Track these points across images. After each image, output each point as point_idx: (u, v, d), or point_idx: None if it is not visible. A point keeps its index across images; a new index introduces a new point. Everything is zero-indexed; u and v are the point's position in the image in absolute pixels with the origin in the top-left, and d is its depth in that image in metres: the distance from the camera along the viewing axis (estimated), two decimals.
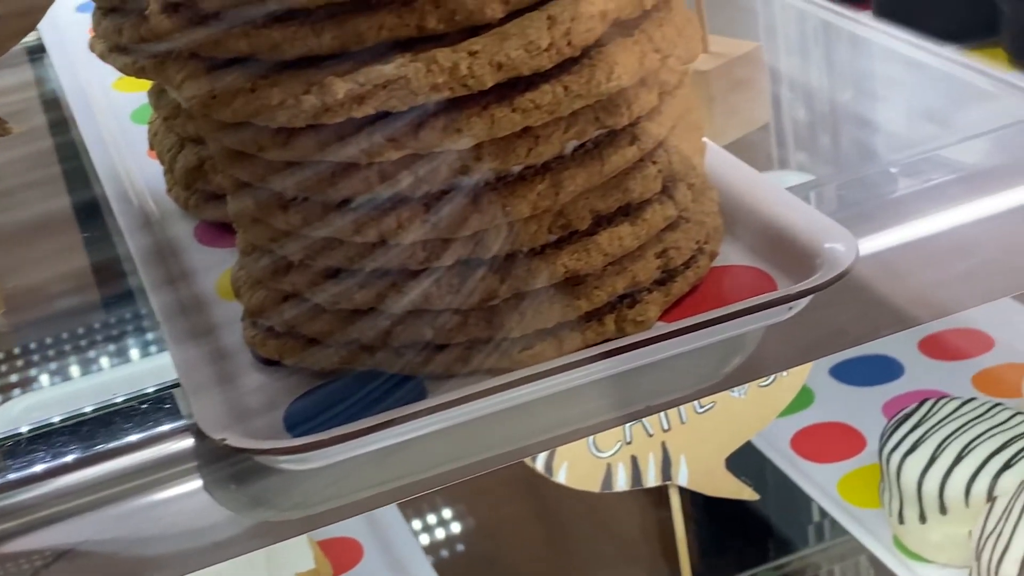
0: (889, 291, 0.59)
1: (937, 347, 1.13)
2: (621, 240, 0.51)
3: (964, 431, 0.90)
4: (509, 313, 0.50)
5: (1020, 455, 0.87)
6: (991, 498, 0.85)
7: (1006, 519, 0.82)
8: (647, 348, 0.51)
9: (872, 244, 0.59)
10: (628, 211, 0.51)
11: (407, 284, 0.49)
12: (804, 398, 1.09)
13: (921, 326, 1.18)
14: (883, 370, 1.11)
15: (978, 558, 0.81)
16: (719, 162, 0.60)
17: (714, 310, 0.52)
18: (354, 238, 0.48)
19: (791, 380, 0.82)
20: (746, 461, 1.06)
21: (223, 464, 0.50)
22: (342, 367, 0.51)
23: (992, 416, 0.91)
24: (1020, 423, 0.90)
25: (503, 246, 0.49)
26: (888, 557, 0.90)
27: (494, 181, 0.48)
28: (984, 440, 0.89)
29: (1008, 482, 0.85)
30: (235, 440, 0.47)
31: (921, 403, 0.94)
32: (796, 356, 0.60)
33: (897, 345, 1.14)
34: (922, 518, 0.88)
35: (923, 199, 0.61)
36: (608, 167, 0.49)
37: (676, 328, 0.51)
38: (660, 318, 0.53)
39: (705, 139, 0.61)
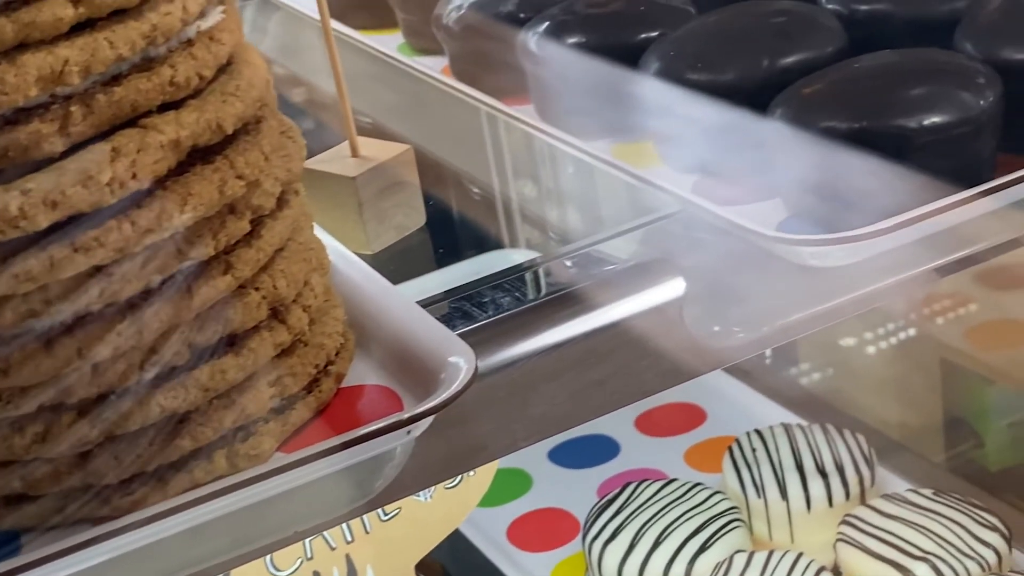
0: (523, 401, 0.58)
1: (652, 423, 1.14)
2: (224, 374, 0.48)
3: (663, 515, 0.90)
4: (104, 458, 0.47)
5: (715, 537, 0.87)
6: None
7: None
8: (264, 483, 0.49)
9: (506, 354, 0.58)
10: (233, 342, 0.49)
11: None
12: (522, 484, 1.08)
13: (641, 401, 1.20)
14: (599, 450, 1.11)
15: None
16: (351, 275, 0.58)
17: (328, 439, 0.49)
18: None
19: (479, 478, 0.80)
20: (460, 555, 1.04)
21: None
22: None
23: (691, 497, 0.92)
24: (718, 502, 0.91)
25: (90, 389, 0.46)
26: None
27: (71, 322, 0.45)
28: (682, 523, 0.89)
29: (703, 566, 0.85)
30: None
31: (623, 488, 0.94)
32: (438, 473, 0.58)
33: (614, 423, 1.14)
34: None
35: (557, 306, 0.60)
36: (198, 300, 0.47)
37: (290, 461, 0.49)
38: (280, 448, 0.51)
39: (344, 252, 0.60)
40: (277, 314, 0.51)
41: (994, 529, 0.85)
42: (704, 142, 0.68)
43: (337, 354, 0.54)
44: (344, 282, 0.57)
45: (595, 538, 0.89)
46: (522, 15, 0.75)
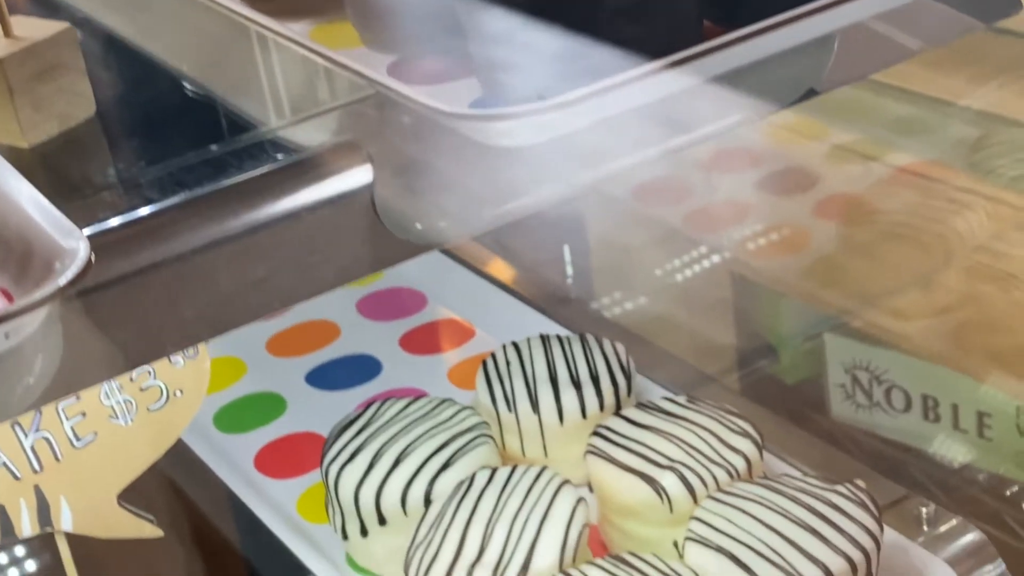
0: (174, 303, 0.51)
1: (417, 342, 1.08)
2: None
3: (405, 433, 0.84)
4: None
5: (459, 454, 0.82)
6: (428, 503, 0.80)
7: (437, 525, 0.77)
8: None
9: (158, 251, 0.52)
10: None
11: None
12: (275, 408, 1.02)
13: (404, 319, 1.14)
14: (360, 371, 1.05)
15: (406, 570, 0.76)
16: None
17: None
18: None
19: (186, 399, 0.73)
20: (202, 487, 0.98)
21: None
22: None
23: (438, 414, 0.86)
24: (465, 418, 0.85)
25: None
26: None
27: None
28: (424, 441, 0.83)
29: (445, 484, 0.80)
30: None
31: (367, 407, 0.88)
32: (76, 382, 0.51)
33: (377, 342, 1.08)
34: (363, 532, 0.82)
35: (220, 198, 0.54)
36: None
37: None
38: None
39: None
40: None
41: (745, 435, 0.81)
42: (398, 20, 0.62)
43: None
44: None
45: (332, 461, 0.83)
46: None
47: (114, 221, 0.52)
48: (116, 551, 0.82)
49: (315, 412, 1.00)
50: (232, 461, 0.95)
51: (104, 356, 0.50)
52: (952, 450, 1.07)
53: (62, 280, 0.44)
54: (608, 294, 1.23)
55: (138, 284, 0.51)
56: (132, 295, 0.51)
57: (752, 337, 1.23)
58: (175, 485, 0.99)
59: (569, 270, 1.23)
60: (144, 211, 0.52)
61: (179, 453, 0.95)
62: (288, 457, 0.96)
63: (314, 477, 0.93)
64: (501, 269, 1.18)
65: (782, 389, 1.19)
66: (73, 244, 0.45)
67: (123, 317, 0.50)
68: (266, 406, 1.02)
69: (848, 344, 1.13)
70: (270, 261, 0.53)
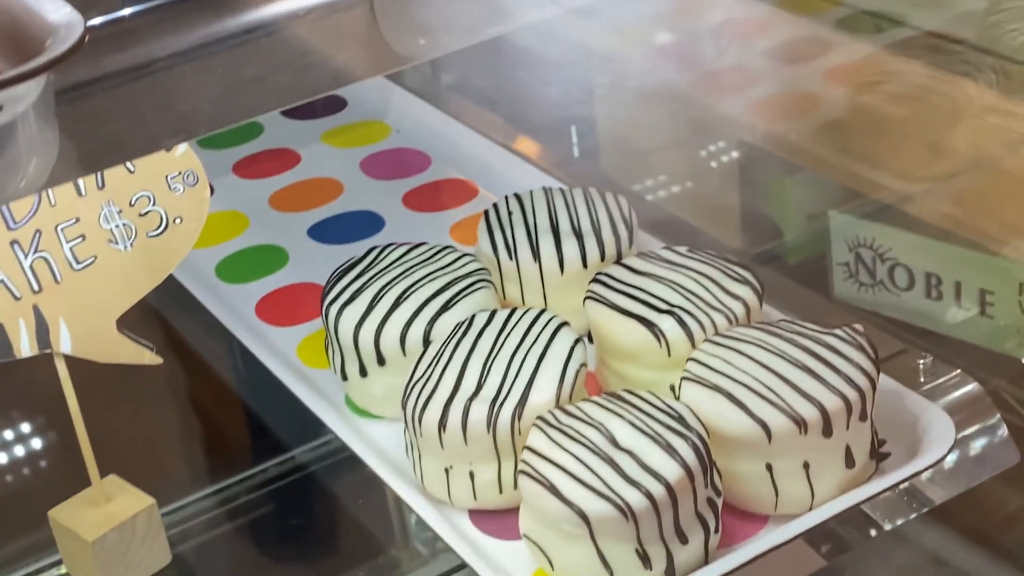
0: (168, 99, 0.51)
1: (420, 199, 1.08)
2: None
3: (406, 276, 0.84)
4: None
5: (459, 296, 0.82)
6: (427, 343, 0.80)
7: (435, 364, 0.77)
8: None
9: (152, 48, 0.51)
10: None
11: None
12: (277, 260, 1.02)
13: (408, 178, 1.13)
14: (363, 226, 1.05)
15: (403, 407, 0.76)
16: None
17: None
18: None
19: (186, 226, 0.73)
20: (205, 334, 0.98)
21: None
22: None
23: (439, 259, 0.86)
24: (466, 264, 0.85)
25: None
26: (335, 419, 0.84)
27: None
28: (425, 283, 0.83)
29: (444, 325, 0.80)
30: None
31: (368, 252, 0.88)
32: (69, 171, 0.51)
33: (380, 199, 1.08)
34: (362, 372, 0.82)
35: None
36: None
37: None
38: None
39: None
40: None
41: (745, 283, 0.81)
42: None
43: None
44: None
45: (332, 301, 0.83)
46: None
47: (113, 14, 0.51)
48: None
49: (316, 264, 1.00)
50: (233, 308, 0.95)
51: (99, 147, 0.50)
52: (953, 328, 1.07)
53: (55, 53, 0.43)
54: (614, 160, 1.22)
55: (133, 76, 0.50)
56: (127, 88, 0.50)
57: (756, 216, 1.23)
58: (175, 330, 0.99)
59: (575, 138, 1.23)
60: (144, 5, 0.52)
61: (179, 298, 0.96)
62: (289, 306, 0.96)
63: (314, 325, 0.93)
64: (507, 134, 1.18)
65: (784, 269, 1.19)
66: (65, 19, 0.44)
67: (117, 109, 0.50)
68: (268, 258, 1.02)
69: (853, 222, 1.12)
70: (268, 60, 0.52)
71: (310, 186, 1.11)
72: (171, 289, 0.92)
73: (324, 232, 1.05)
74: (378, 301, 0.82)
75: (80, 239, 0.70)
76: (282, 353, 0.90)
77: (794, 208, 1.21)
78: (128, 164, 0.70)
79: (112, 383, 0.85)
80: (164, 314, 1.00)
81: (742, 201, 1.24)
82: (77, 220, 0.70)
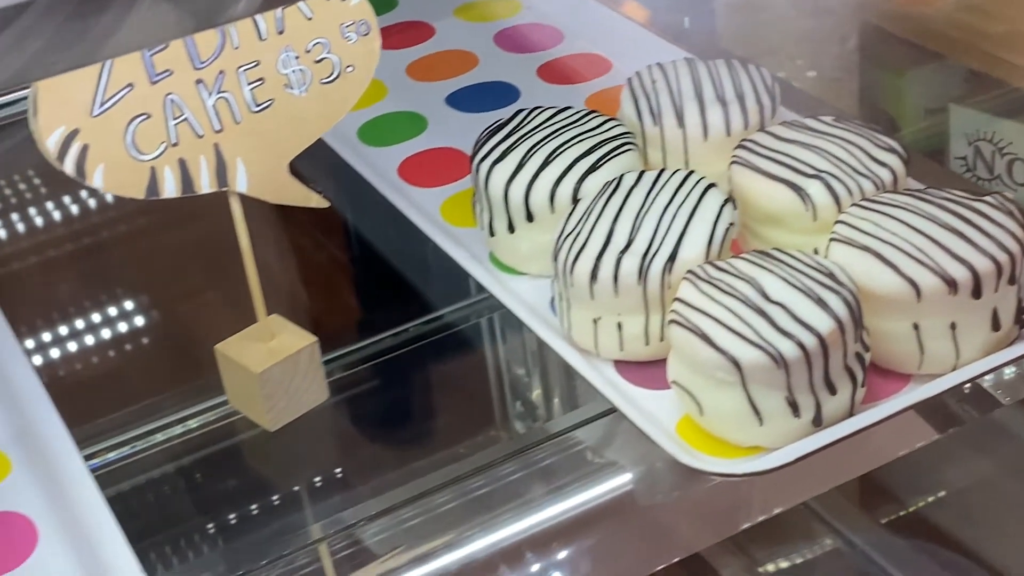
0: None
1: (555, 72, 1.10)
2: None
3: (554, 138, 0.86)
4: None
5: (606, 158, 0.84)
6: (576, 201, 0.82)
7: (585, 219, 0.79)
8: None
9: None
10: None
11: None
12: (416, 125, 1.05)
13: (541, 52, 1.15)
14: (498, 96, 1.07)
15: (555, 258, 0.79)
16: None
17: None
18: None
19: (357, 75, 0.76)
20: (352, 192, 1.01)
21: None
22: None
23: (586, 123, 0.88)
24: (612, 127, 0.87)
25: None
26: (482, 274, 0.87)
27: None
28: (573, 145, 0.85)
29: (592, 185, 0.83)
30: None
31: (516, 113, 0.90)
32: None
33: (516, 71, 1.10)
34: (511, 228, 0.85)
35: None
36: None
37: None
38: None
39: None
40: None
41: (891, 151, 0.82)
42: None
43: None
44: None
45: (483, 158, 0.86)
46: None
47: None
48: None
49: (456, 130, 1.02)
50: (377, 168, 0.98)
51: None
52: None
53: None
54: (740, 43, 1.23)
55: None
56: None
57: (873, 109, 1.23)
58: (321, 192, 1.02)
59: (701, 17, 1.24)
60: None
61: (324, 160, 0.99)
62: (431, 168, 0.99)
63: (458, 187, 0.96)
64: (639, 12, 1.19)
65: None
66: None
67: None
68: (408, 124, 1.05)
69: (973, 115, 1.12)
70: None
71: (446, 57, 1.13)
72: (313, 150, 0.95)
73: (462, 100, 1.07)
74: (528, 159, 0.85)
75: (259, 82, 0.73)
76: (427, 212, 0.93)
77: (912, 103, 1.21)
78: (305, 9, 0.72)
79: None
80: (307, 177, 1.04)
81: (861, 90, 1.25)
82: (257, 64, 0.72)
